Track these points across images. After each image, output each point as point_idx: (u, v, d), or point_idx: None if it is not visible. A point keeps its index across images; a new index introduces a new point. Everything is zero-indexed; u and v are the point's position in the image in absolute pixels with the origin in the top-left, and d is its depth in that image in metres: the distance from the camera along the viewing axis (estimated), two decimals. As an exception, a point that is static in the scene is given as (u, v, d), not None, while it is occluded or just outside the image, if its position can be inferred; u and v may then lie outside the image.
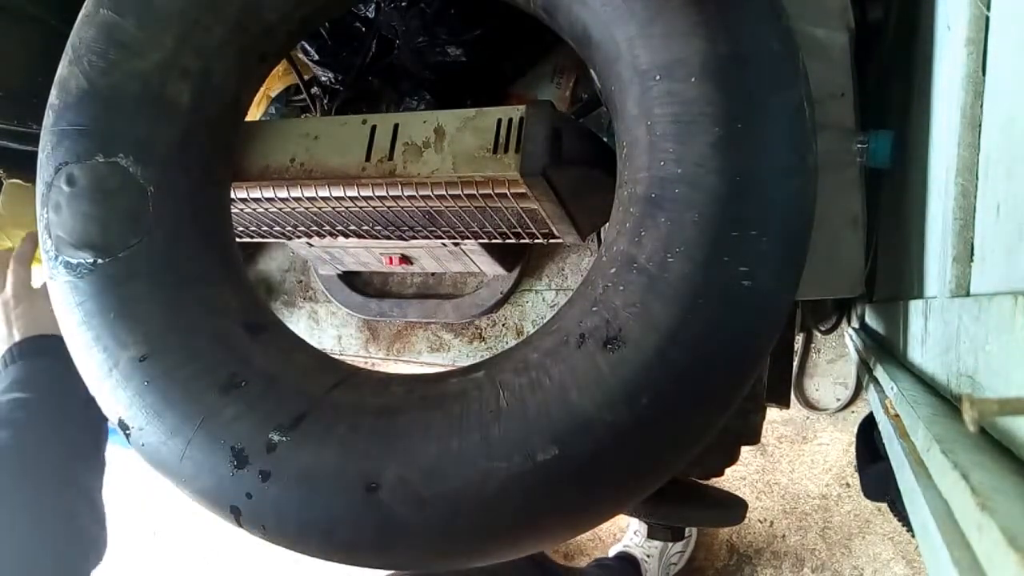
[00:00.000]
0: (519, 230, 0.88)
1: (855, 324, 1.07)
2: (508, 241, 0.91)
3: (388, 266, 1.20)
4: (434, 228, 0.91)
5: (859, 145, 0.70)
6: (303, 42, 1.09)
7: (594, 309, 0.53)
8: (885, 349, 0.74)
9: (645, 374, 0.49)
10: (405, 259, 1.18)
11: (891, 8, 0.83)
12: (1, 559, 0.64)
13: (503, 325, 1.35)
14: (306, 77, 1.15)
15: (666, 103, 0.53)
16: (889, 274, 0.79)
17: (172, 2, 0.66)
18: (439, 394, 0.56)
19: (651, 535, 0.84)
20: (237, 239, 0.86)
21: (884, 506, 1.09)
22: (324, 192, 0.79)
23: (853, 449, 1.10)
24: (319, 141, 0.78)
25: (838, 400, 1.16)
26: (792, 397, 1.16)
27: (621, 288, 0.52)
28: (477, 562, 0.56)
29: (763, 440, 1.18)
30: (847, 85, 0.71)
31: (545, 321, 0.59)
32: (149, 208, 0.64)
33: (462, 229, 0.88)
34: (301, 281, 1.52)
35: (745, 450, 0.87)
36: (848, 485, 1.16)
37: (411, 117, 0.76)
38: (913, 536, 0.80)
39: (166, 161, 0.66)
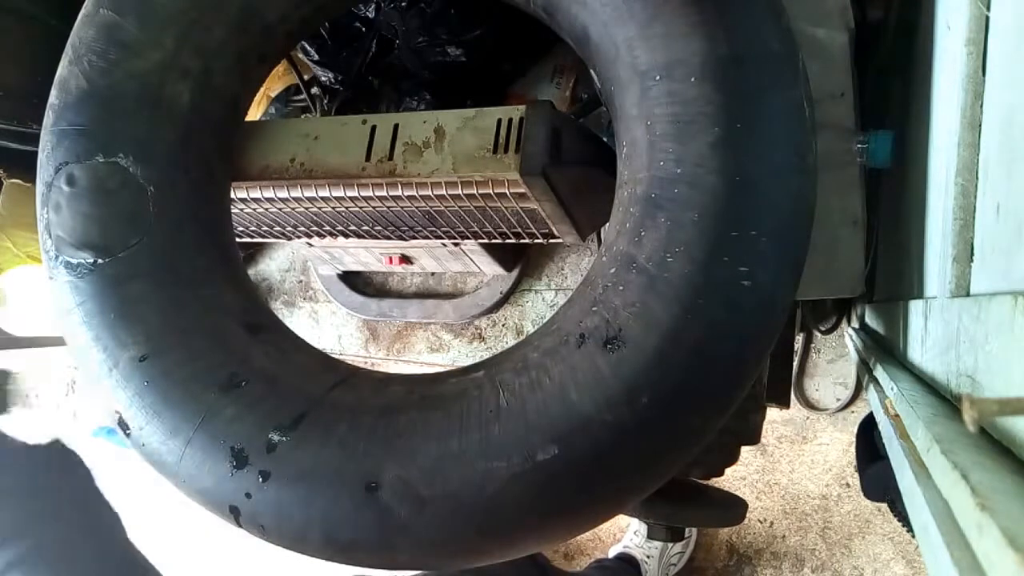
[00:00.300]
0: (519, 230, 0.88)
1: (855, 324, 1.07)
2: (508, 241, 0.91)
3: (388, 266, 1.20)
4: (434, 228, 0.91)
5: (859, 145, 0.70)
6: (303, 42, 1.09)
7: (594, 309, 0.53)
8: (885, 349, 0.74)
9: (645, 374, 0.49)
10: (405, 259, 1.18)
11: (891, 8, 0.83)
12: None
13: (503, 325, 1.35)
14: (306, 77, 1.15)
15: (666, 103, 0.53)
16: (889, 274, 0.79)
17: (172, 2, 0.66)
18: (439, 394, 0.56)
19: (651, 535, 0.84)
20: (237, 239, 0.86)
21: (884, 506, 1.09)
22: (324, 192, 0.79)
23: (853, 449, 1.10)
24: (319, 141, 0.78)
25: (838, 400, 1.16)
26: (792, 397, 1.16)
27: (621, 288, 0.52)
28: (477, 562, 0.56)
29: (763, 440, 1.18)
30: (847, 85, 0.71)
31: (545, 321, 0.59)
32: (149, 208, 0.64)
33: (462, 229, 0.88)
34: (301, 281, 1.52)
35: (745, 450, 0.87)
36: (848, 485, 1.16)
37: (411, 117, 0.76)
38: (913, 536, 0.80)
39: (166, 161, 0.66)
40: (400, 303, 1.37)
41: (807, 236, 0.52)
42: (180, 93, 0.67)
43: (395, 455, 0.52)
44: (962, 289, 0.43)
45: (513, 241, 0.91)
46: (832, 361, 1.18)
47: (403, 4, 1.00)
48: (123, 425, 0.60)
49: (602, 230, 1.04)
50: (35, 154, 0.67)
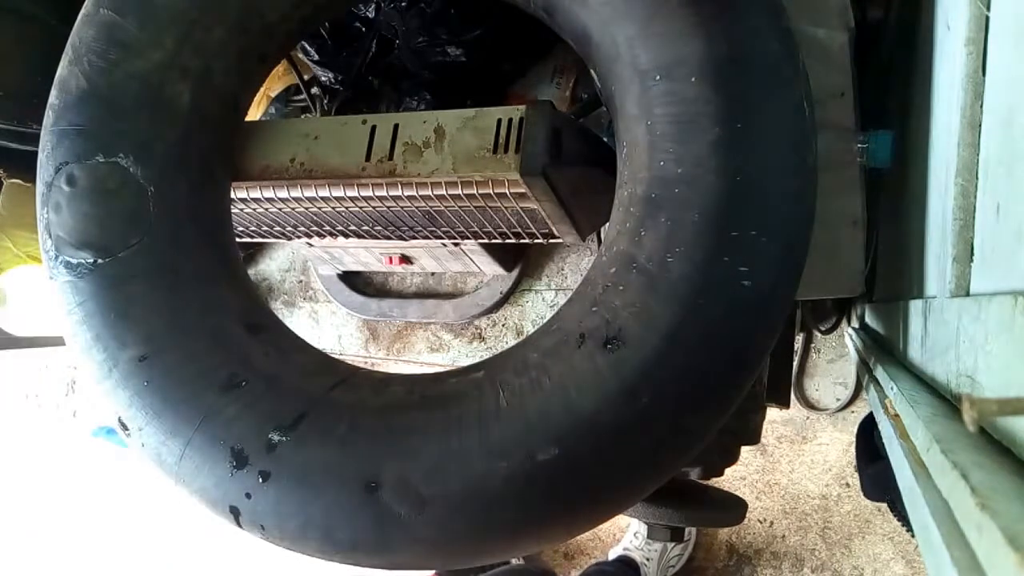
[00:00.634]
0: (519, 230, 0.88)
1: (855, 324, 1.07)
2: (508, 241, 0.91)
3: (388, 266, 1.20)
4: (434, 228, 0.91)
5: (859, 145, 0.70)
6: (303, 42, 1.09)
7: (594, 309, 0.53)
8: (885, 349, 0.74)
9: (645, 374, 0.49)
10: (405, 259, 1.18)
11: (891, 8, 0.83)
12: None
13: (503, 325, 1.35)
14: (306, 77, 1.15)
15: (666, 103, 0.53)
16: (889, 274, 0.79)
17: (172, 2, 0.66)
18: (439, 394, 0.56)
19: (651, 535, 0.84)
20: (237, 239, 0.86)
21: (884, 506, 1.09)
22: (324, 192, 0.79)
23: (853, 449, 1.10)
24: (319, 141, 0.78)
25: (838, 400, 1.16)
26: (792, 397, 1.16)
27: (621, 288, 0.52)
28: (477, 562, 0.56)
29: (763, 440, 1.18)
30: (847, 85, 0.71)
31: (545, 321, 0.59)
32: (149, 208, 0.64)
33: (462, 229, 0.88)
34: (301, 281, 1.52)
35: (745, 450, 0.87)
36: (848, 485, 1.16)
37: (411, 117, 0.76)
38: (913, 536, 0.80)
39: (166, 161, 0.66)
40: (400, 303, 1.37)
41: (807, 236, 0.52)
42: (180, 93, 0.67)
43: (395, 455, 0.52)
44: (962, 289, 0.43)
45: (513, 241, 0.91)
46: (832, 361, 1.18)
47: (403, 4, 1.00)
48: (123, 425, 0.60)
49: (602, 230, 1.04)
50: (35, 154, 0.67)
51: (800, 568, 1.18)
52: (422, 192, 0.75)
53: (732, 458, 0.78)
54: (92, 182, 0.63)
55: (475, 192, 0.74)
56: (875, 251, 0.81)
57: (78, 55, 0.66)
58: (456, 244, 1.05)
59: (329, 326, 1.49)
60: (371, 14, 1.07)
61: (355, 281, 1.43)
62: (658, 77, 0.53)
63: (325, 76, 1.13)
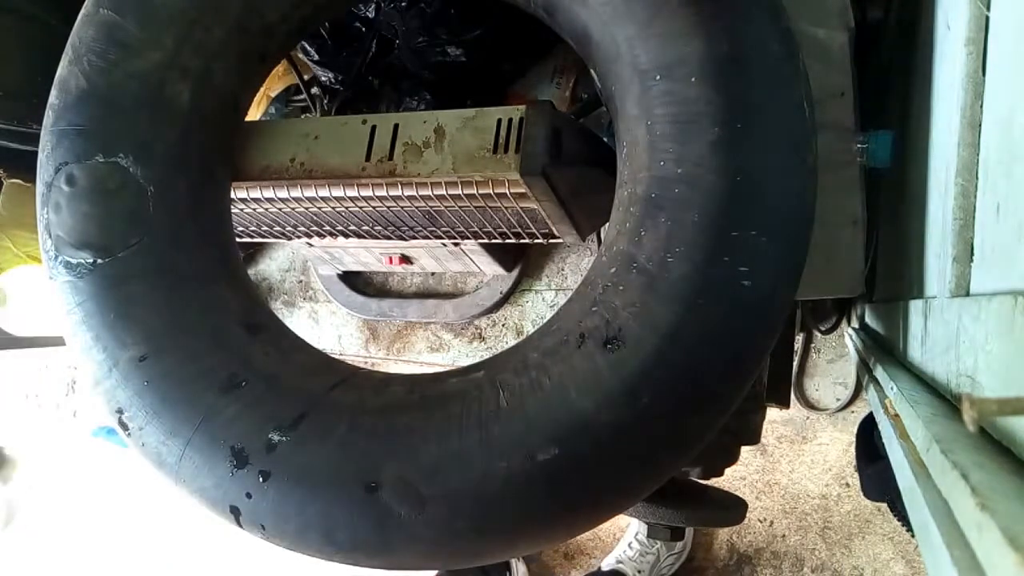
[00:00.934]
0: (519, 230, 0.88)
1: (855, 324, 1.07)
2: (508, 241, 0.91)
3: (388, 266, 1.20)
4: (434, 228, 0.91)
5: (859, 145, 0.70)
6: (303, 42, 1.09)
7: (594, 309, 0.53)
8: (885, 349, 0.74)
9: (645, 374, 0.49)
10: (405, 259, 1.18)
11: (891, 8, 0.83)
12: None
13: (503, 325, 1.35)
14: (306, 77, 1.15)
15: (666, 103, 0.53)
16: (889, 274, 0.79)
17: (172, 2, 0.66)
18: (439, 394, 0.56)
19: (651, 535, 0.84)
20: (237, 239, 0.86)
21: (884, 506, 1.09)
22: (324, 192, 0.79)
23: (853, 449, 1.10)
24: (319, 141, 0.78)
25: (838, 400, 1.16)
26: (792, 397, 1.16)
27: (621, 288, 0.52)
28: (477, 562, 0.56)
29: (763, 440, 1.18)
30: (847, 85, 0.71)
31: (545, 321, 0.59)
32: (149, 208, 0.64)
33: (462, 229, 0.88)
34: (301, 281, 1.52)
35: (745, 450, 0.87)
36: (848, 485, 1.16)
37: (411, 117, 0.76)
38: (913, 536, 0.80)
39: (166, 161, 0.66)
40: (400, 303, 1.37)
41: (807, 236, 0.52)
42: (180, 93, 0.67)
43: (395, 455, 0.52)
44: (962, 289, 0.43)
45: (513, 241, 0.91)
46: (832, 361, 1.18)
47: (403, 4, 1.00)
48: (123, 425, 0.60)
49: (602, 230, 1.04)
50: (35, 154, 0.67)
51: (800, 568, 1.18)
52: (422, 192, 0.75)
53: (732, 458, 0.78)
54: (92, 182, 0.63)
55: (475, 192, 0.74)
56: (875, 251, 0.80)
57: (78, 55, 0.66)
58: (456, 244, 1.05)
59: (329, 326, 1.49)
60: (371, 14, 1.07)
61: (355, 281, 1.43)
62: (658, 77, 0.53)
63: (325, 76, 1.13)
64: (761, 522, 1.22)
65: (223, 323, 0.63)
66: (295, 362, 0.63)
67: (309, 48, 1.10)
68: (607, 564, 1.25)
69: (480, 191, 0.73)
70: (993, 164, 0.39)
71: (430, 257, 1.15)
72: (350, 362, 0.68)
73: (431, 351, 1.41)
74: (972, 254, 0.42)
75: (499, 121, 0.72)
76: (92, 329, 0.61)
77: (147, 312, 0.61)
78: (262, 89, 1.04)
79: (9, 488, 1.67)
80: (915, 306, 0.57)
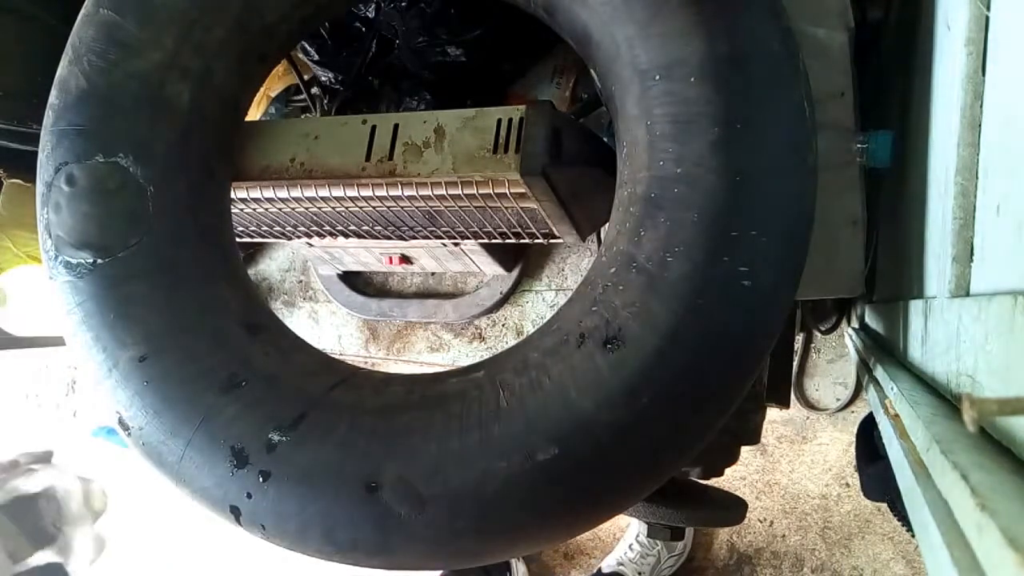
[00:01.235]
0: (519, 230, 0.88)
1: (855, 324, 1.07)
2: (508, 241, 0.91)
3: (388, 266, 1.20)
4: (434, 228, 0.91)
5: (859, 145, 0.70)
6: (303, 42, 1.09)
7: (594, 309, 0.53)
8: (885, 349, 0.74)
9: (645, 374, 0.49)
10: (405, 259, 1.18)
11: (891, 8, 0.83)
12: None
13: (503, 325, 1.35)
14: (306, 77, 1.15)
15: (665, 103, 0.53)
16: (889, 274, 0.79)
17: (172, 2, 0.66)
18: (439, 394, 0.56)
19: (651, 535, 0.84)
20: (237, 239, 0.86)
21: (884, 506, 1.09)
22: (324, 192, 0.79)
23: (853, 449, 1.10)
24: (319, 141, 0.78)
25: (838, 400, 1.16)
26: (792, 397, 1.16)
27: (621, 288, 0.52)
28: (477, 562, 0.56)
29: (763, 440, 1.18)
30: (847, 85, 0.71)
31: (545, 321, 0.59)
32: (149, 208, 0.64)
33: (462, 229, 0.88)
34: (301, 281, 1.52)
35: (745, 450, 0.87)
36: (848, 485, 1.16)
37: (411, 117, 0.76)
38: (913, 536, 0.80)
39: (166, 161, 0.66)
40: (400, 303, 1.37)
41: (807, 236, 0.52)
42: (180, 93, 0.67)
43: (395, 455, 0.52)
44: (962, 289, 0.43)
45: (513, 241, 0.91)
46: (832, 361, 1.18)
47: (403, 4, 1.00)
48: (123, 425, 0.60)
49: (602, 230, 1.04)
50: (35, 154, 0.67)
51: (800, 568, 1.18)
52: (422, 192, 0.75)
53: (732, 458, 0.78)
54: (92, 182, 0.63)
55: (475, 192, 0.74)
56: (875, 251, 0.80)
57: (78, 55, 0.66)
58: (456, 244, 1.05)
59: (329, 326, 1.49)
60: (371, 14, 1.07)
61: (355, 281, 1.43)
62: (658, 77, 0.53)
63: (325, 76, 1.13)
64: (761, 522, 1.22)
65: (223, 323, 0.63)
66: (295, 362, 0.63)
67: (309, 48, 1.10)
68: (608, 566, 1.25)
69: (480, 191, 0.73)
70: (993, 164, 0.39)
71: (430, 257, 1.15)
72: (350, 362, 0.68)
73: (431, 351, 1.41)
74: (972, 254, 0.42)
75: (499, 121, 0.72)
76: (92, 329, 0.61)
77: (147, 312, 0.61)
78: (262, 89, 1.04)
79: (99, 524, 1.67)
80: (915, 306, 0.57)
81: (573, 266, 1.28)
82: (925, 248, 0.56)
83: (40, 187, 0.65)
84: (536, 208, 0.78)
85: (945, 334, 0.44)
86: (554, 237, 0.90)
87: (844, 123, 0.71)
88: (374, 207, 0.82)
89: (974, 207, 0.42)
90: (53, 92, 0.67)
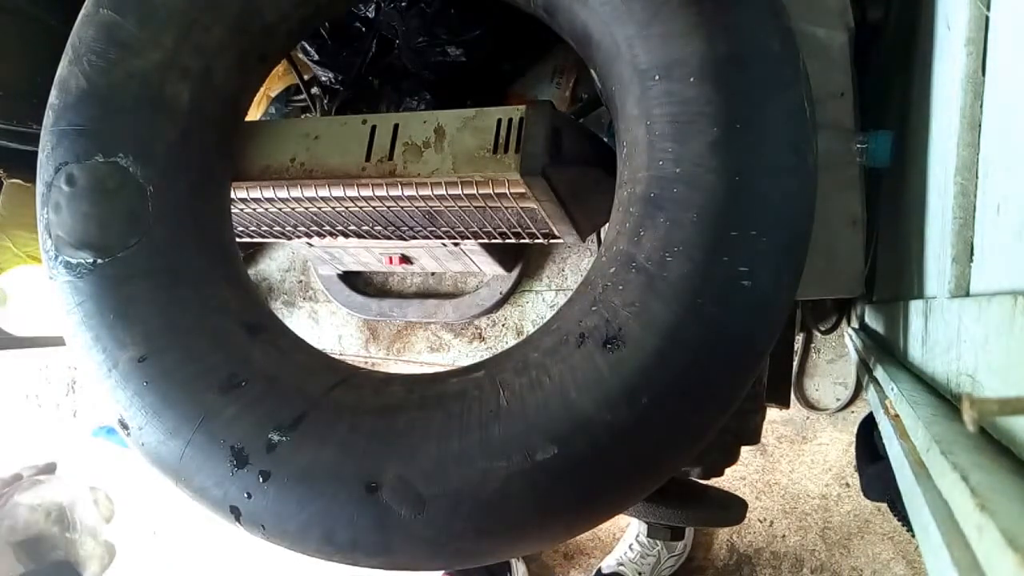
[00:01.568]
0: (519, 230, 0.88)
1: (855, 324, 1.07)
2: (508, 241, 0.91)
3: (388, 266, 1.20)
4: (434, 228, 0.91)
5: (859, 145, 0.70)
6: (303, 42, 1.09)
7: (594, 309, 0.53)
8: (885, 349, 0.74)
9: (644, 374, 0.49)
10: (405, 259, 1.18)
11: (891, 8, 0.83)
12: None
13: (503, 325, 1.35)
14: (306, 77, 1.15)
15: (665, 103, 0.53)
16: (889, 274, 0.79)
17: (172, 2, 0.66)
18: (439, 394, 0.56)
19: (651, 534, 0.84)
20: (237, 239, 0.86)
21: (884, 506, 1.09)
22: (324, 192, 0.79)
23: (853, 449, 1.10)
24: (319, 141, 0.78)
25: (838, 400, 1.16)
26: (792, 397, 1.16)
27: (620, 288, 0.52)
28: (477, 562, 0.56)
29: (763, 440, 1.18)
30: (847, 85, 0.71)
31: (545, 321, 0.59)
32: (149, 208, 0.64)
33: (462, 229, 0.88)
34: (301, 281, 1.52)
35: (745, 450, 0.87)
36: (848, 485, 1.16)
37: (411, 117, 0.76)
38: (913, 536, 0.80)
39: (166, 161, 0.66)
40: (400, 303, 1.37)
41: (807, 236, 0.52)
42: (180, 93, 0.67)
43: (395, 455, 0.52)
44: (962, 289, 0.43)
45: (513, 241, 0.91)
46: (832, 361, 1.18)
47: (403, 4, 1.00)
48: (123, 425, 0.60)
49: (602, 230, 1.04)
50: (35, 154, 0.67)
51: (800, 568, 1.18)
52: (422, 192, 0.75)
53: (732, 458, 0.78)
54: (92, 182, 0.63)
55: (475, 192, 0.74)
56: (875, 251, 0.80)
57: (78, 55, 0.66)
58: (456, 244, 1.05)
59: (329, 326, 1.49)
60: (371, 14, 1.07)
61: (355, 281, 1.43)
62: (658, 77, 0.53)
63: (325, 76, 1.13)
64: (761, 522, 1.22)
65: (223, 323, 0.63)
66: (295, 362, 0.63)
67: (309, 48, 1.10)
68: (607, 566, 1.25)
69: (480, 191, 0.73)
70: (993, 163, 0.39)
71: (430, 257, 1.15)
72: (350, 362, 0.68)
73: (431, 351, 1.41)
74: (972, 254, 0.42)
75: (499, 121, 0.72)
76: (92, 329, 0.61)
77: (147, 312, 0.61)
78: (262, 89, 1.04)
79: (109, 528, 1.67)
80: (915, 306, 0.57)
81: (573, 266, 1.28)
82: (925, 248, 0.56)
83: (40, 187, 0.65)
84: (536, 208, 0.78)
85: (945, 334, 0.44)
86: (554, 237, 0.90)
87: (844, 123, 0.71)
88: (374, 207, 0.82)
89: (974, 207, 0.42)
90: (53, 92, 0.67)
